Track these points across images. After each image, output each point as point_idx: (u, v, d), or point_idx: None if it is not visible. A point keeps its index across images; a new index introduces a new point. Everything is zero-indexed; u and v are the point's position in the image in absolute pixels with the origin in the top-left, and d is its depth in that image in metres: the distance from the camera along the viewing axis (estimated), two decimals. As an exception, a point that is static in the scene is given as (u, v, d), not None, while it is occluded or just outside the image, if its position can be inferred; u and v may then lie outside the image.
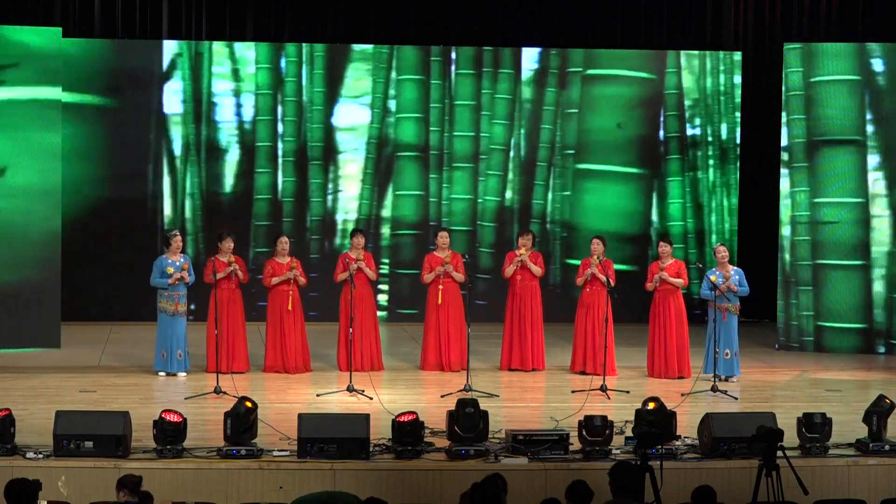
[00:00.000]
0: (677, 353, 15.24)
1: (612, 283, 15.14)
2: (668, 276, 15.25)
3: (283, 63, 19.32)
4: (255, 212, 19.46)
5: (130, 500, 8.82)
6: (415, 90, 19.62)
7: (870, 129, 17.44)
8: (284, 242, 15.38)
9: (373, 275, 15.53)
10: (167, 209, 19.25)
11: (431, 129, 19.65)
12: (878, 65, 17.42)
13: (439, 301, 15.52)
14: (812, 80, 17.47)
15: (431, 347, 15.64)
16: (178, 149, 19.22)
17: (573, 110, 19.74)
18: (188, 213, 19.28)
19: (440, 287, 15.51)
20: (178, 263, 14.96)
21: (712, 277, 14.97)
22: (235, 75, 19.32)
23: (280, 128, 19.39)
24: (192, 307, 15.18)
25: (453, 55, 19.61)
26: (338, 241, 19.54)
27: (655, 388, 14.12)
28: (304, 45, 19.37)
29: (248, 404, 11.08)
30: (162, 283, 14.94)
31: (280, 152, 19.42)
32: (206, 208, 19.33)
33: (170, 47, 19.18)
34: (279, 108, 19.38)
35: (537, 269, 15.70)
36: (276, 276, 15.21)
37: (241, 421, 11.00)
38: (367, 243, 16.58)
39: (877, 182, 17.48)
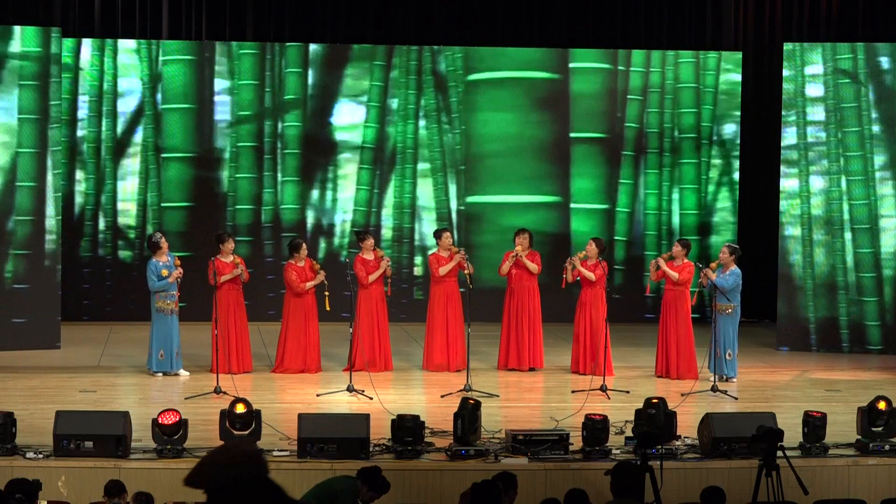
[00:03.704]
0: (681, 354, 15.19)
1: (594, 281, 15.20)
2: (664, 264, 15.18)
3: (277, 64, 19.33)
4: (253, 215, 19.48)
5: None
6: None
7: (875, 128, 17.42)
8: (304, 249, 15.48)
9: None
10: (157, 210, 19.22)
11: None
12: (884, 63, 17.40)
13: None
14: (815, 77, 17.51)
15: (437, 347, 15.56)
16: (168, 149, 19.21)
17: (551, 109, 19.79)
18: (183, 215, 19.26)
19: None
20: (168, 264, 15.02)
21: (707, 276, 14.96)
22: (230, 75, 19.33)
23: (269, 128, 19.37)
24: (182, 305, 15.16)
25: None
26: (336, 242, 19.51)
27: (656, 388, 14.12)
28: (275, 44, 19.37)
29: (242, 406, 11.06)
30: (163, 286, 14.97)
31: (271, 152, 19.41)
32: (195, 209, 19.29)
33: (157, 47, 19.20)
34: (273, 108, 19.39)
35: (534, 267, 15.68)
36: (302, 280, 15.20)
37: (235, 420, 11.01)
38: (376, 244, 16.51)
39: (883, 182, 17.44)
